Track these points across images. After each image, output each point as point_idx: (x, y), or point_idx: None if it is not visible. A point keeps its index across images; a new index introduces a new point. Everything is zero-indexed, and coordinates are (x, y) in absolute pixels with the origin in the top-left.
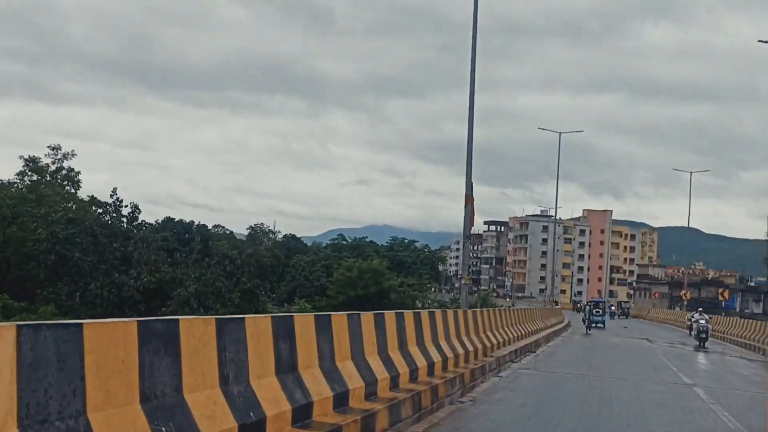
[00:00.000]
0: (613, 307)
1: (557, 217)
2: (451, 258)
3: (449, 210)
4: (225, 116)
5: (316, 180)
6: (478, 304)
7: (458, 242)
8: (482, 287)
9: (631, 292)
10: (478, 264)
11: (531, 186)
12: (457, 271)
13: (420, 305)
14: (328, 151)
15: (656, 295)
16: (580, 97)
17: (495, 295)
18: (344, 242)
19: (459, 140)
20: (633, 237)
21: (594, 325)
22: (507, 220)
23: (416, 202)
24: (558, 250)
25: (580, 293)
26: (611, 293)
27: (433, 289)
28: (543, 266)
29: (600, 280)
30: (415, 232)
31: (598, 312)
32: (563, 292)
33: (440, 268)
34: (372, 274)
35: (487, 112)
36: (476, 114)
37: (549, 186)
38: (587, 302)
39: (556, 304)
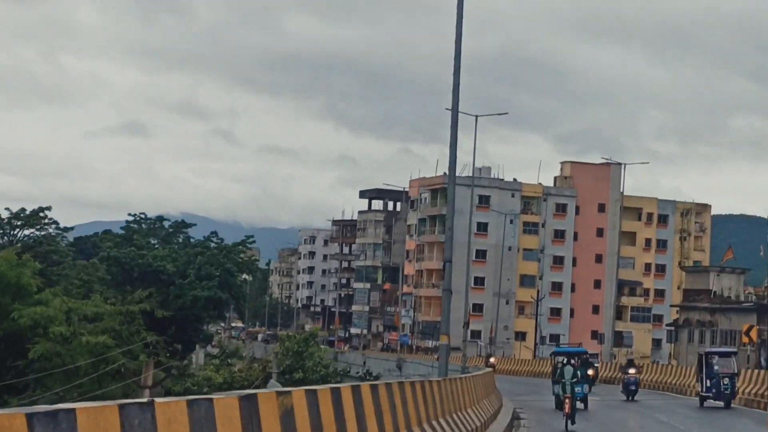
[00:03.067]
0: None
1: (493, 176)
2: (300, 272)
3: (308, 183)
4: None
5: (40, 124)
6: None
7: (313, 238)
8: (353, 327)
9: (672, 329)
10: (348, 282)
11: (461, 139)
12: (311, 297)
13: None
14: (59, 67)
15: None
16: None
17: (382, 344)
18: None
19: (316, 47)
20: (664, 219)
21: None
22: (405, 188)
23: (243, 169)
24: (509, 248)
25: (556, 338)
26: (620, 337)
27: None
28: (481, 281)
29: (598, 310)
30: (247, 230)
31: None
32: (520, 337)
33: (267, 291)
34: None
35: None
36: None
37: (500, 139)
38: (554, 353)
39: (487, 362)
